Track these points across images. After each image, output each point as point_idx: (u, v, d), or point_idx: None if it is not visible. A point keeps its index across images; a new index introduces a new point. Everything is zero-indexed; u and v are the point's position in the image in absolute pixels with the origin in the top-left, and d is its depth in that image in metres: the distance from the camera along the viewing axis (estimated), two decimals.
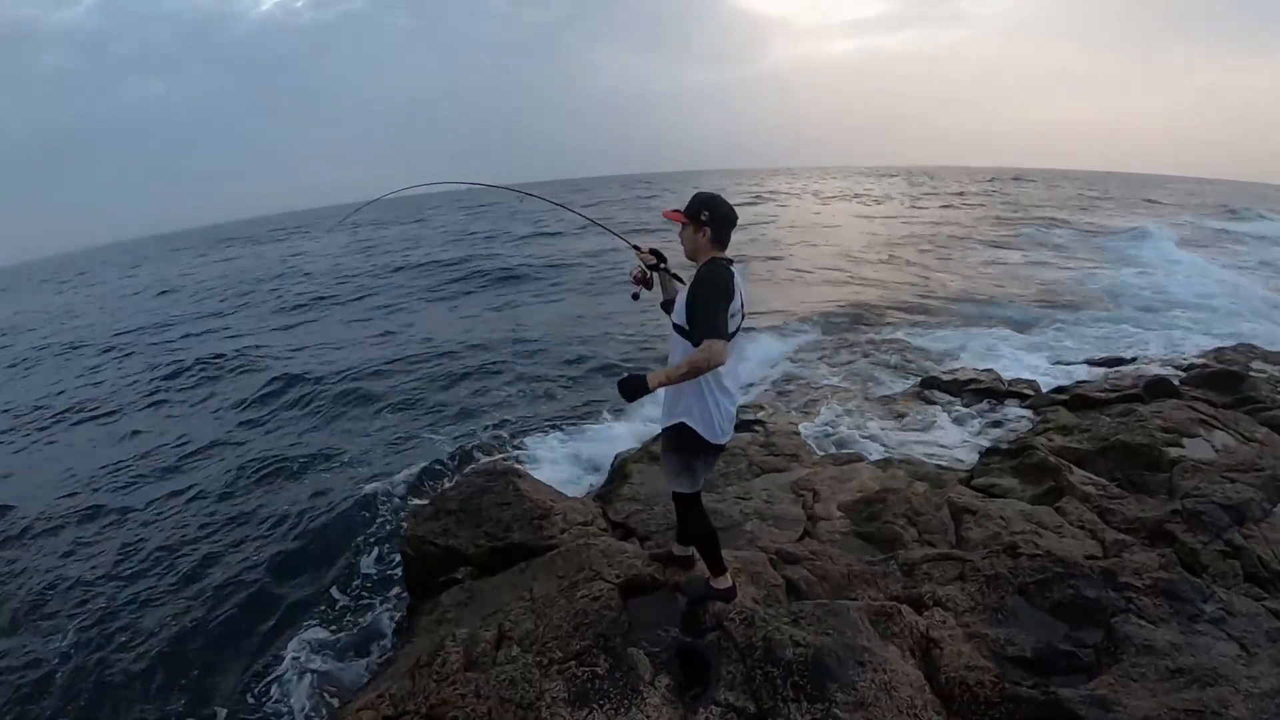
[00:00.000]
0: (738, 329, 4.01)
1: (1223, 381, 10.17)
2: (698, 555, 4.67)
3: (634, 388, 3.74)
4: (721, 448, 4.22)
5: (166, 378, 16.51)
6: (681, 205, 4.08)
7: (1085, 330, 15.96)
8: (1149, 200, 59.24)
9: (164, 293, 34.35)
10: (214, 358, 17.32)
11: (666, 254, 4.60)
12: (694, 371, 3.69)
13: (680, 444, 4.13)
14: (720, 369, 3.87)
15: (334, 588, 7.39)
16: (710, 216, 3.95)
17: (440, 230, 49.53)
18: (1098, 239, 32.87)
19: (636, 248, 4.67)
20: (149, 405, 14.75)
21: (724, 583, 4.50)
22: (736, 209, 4.10)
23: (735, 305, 3.89)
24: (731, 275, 3.91)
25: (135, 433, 12.97)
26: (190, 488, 10.08)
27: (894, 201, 58.37)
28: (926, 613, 4.60)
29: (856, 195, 67.79)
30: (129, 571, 8.12)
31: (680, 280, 4.46)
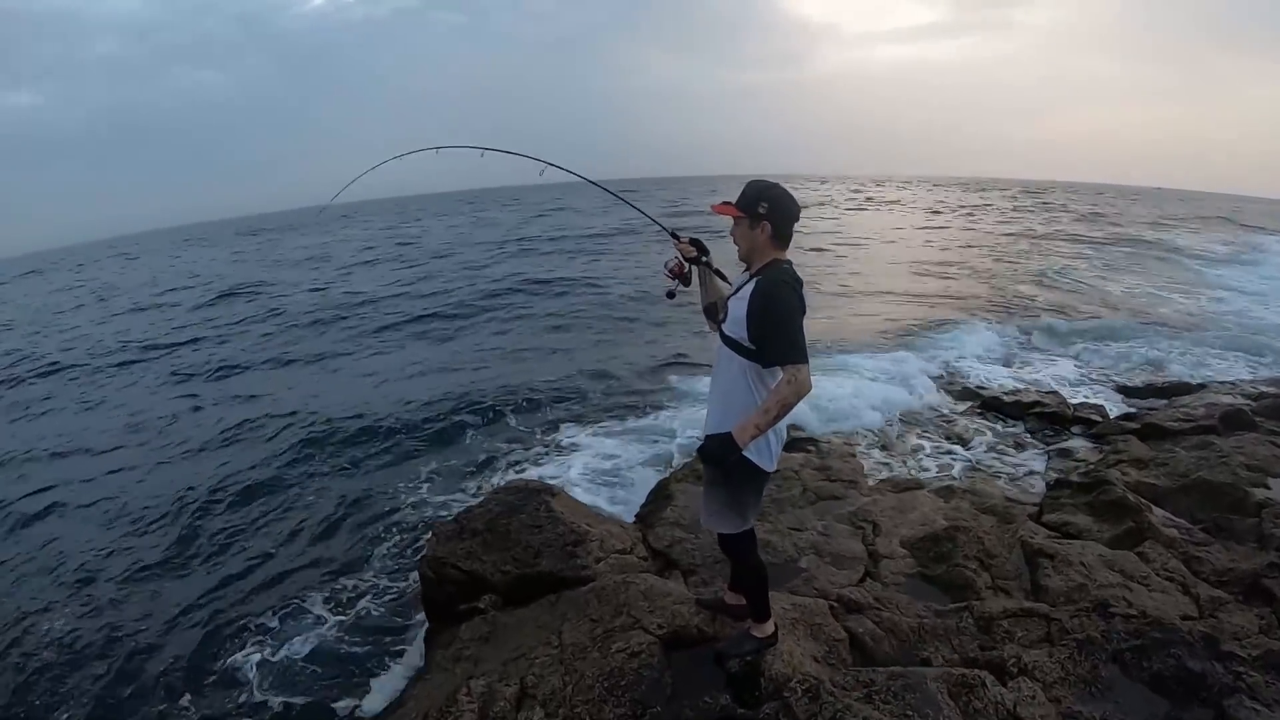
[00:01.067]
0: None
1: None
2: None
3: (723, 450, 3.32)
4: (770, 474, 3.71)
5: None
6: (726, 201, 3.56)
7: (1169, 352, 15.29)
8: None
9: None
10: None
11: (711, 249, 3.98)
12: (785, 409, 3.24)
13: (729, 473, 3.56)
14: (766, 390, 3.43)
15: (346, 604, 6.99)
16: (770, 209, 3.41)
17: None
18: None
19: (675, 236, 4.00)
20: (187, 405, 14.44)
21: (767, 630, 3.99)
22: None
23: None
24: (800, 282, 3.42)
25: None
26: (194, 495, 9.65)
27: (957, 213, 57.22)
28: (1012, 683, 4.03)
29: (895, 203, 66.76)
30: (132, 577, 7.80)
31: (724, 278, 3.90)
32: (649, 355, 14.94)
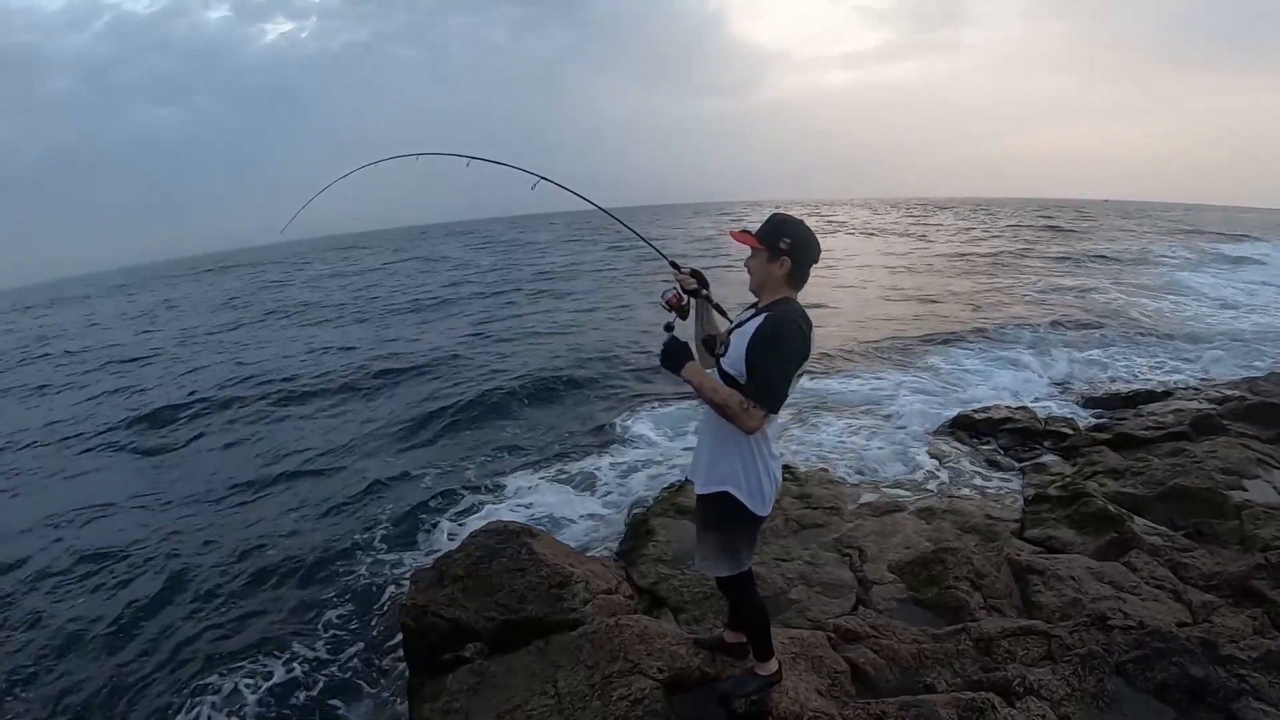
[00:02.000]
0: (787, 394, 3.40)
1: (1264, 414, 9.66)
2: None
3: (673, 358, 3.33)
4: (764, 519, 3.61)
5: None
6: (746, 230, 3.46)
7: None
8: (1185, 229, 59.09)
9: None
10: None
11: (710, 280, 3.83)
12: (721, 412, 3.21)
13: (722, 517, 3.51)
14: (764, 438, 3.38)
15: (321, 661, 6.72)
16: (792, 245, 3.32)
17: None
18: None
19: (675, 265, 3.83)
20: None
21: (770, 668, 3.90)
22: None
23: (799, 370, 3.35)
24: (810, 326, 3.34)
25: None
26: (144, 537, 9.47)
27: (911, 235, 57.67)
28: (1020, 703, 3.98)
29: (843, 225, 67.10)
30: (76, 635, 7.51)
31: (724, 313, 3.78)
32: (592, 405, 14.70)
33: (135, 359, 23.53)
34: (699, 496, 3.60)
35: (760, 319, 3.31)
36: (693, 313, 3.76)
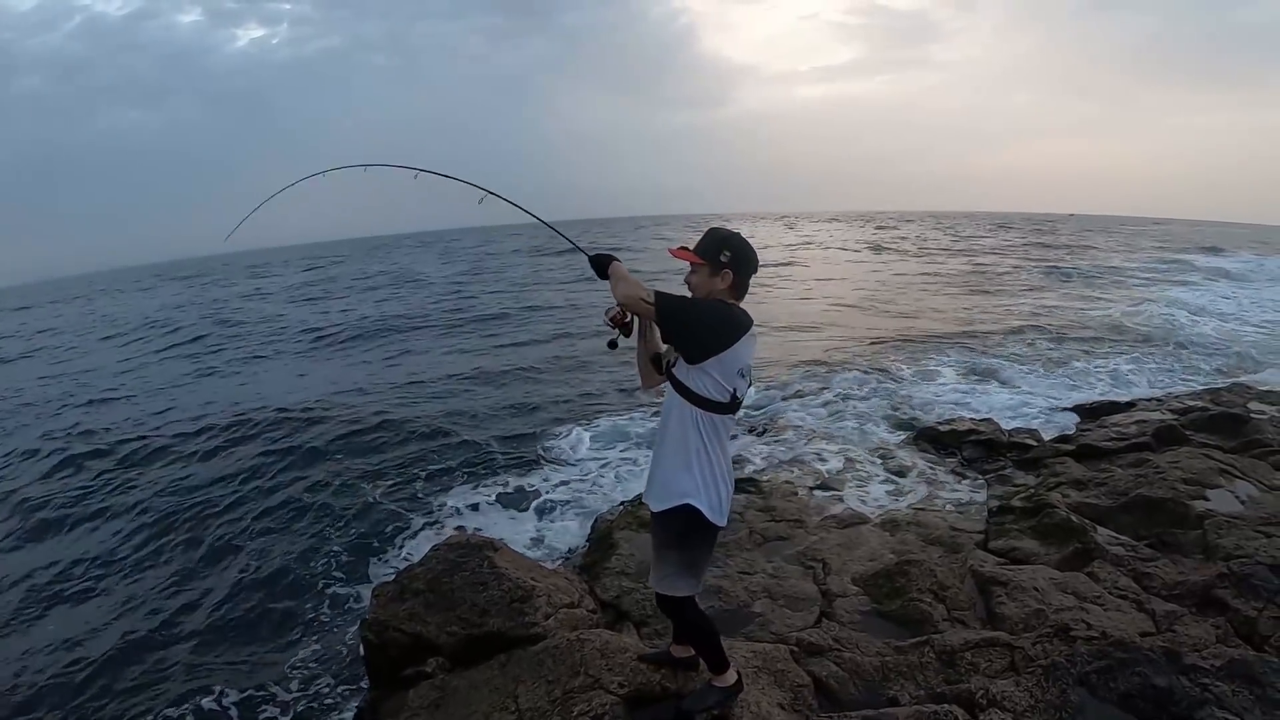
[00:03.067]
0: (742, 395, 3.44)
1: (1226, 425, 9.84)
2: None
3: (599, 264, 3.42)
4: (721, 529, 3.56)
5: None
6: (683, 246, 3.47)
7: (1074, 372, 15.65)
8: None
9: None
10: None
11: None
12: (623, 291, 3.28)
13: (685, 532, 3.45)
14: (721, 444, 3.41)
15: (281, 678, 6.60)
16: (732, 258, 3.35)
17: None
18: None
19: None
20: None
21: (729, 679, 3.83)
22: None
23: (742, 364, 3.35)
24: (748, 319, 3.36)
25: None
26: (99, 551, 9.29)
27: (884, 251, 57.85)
28: (983, 715, 3.95)
29: (810, 242, 67.14)
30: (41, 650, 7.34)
31: None
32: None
33: None
34: (657, 514, 3.53)
35: None
36: (636, 330, 3.72)
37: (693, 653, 4.07)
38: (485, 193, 4.63)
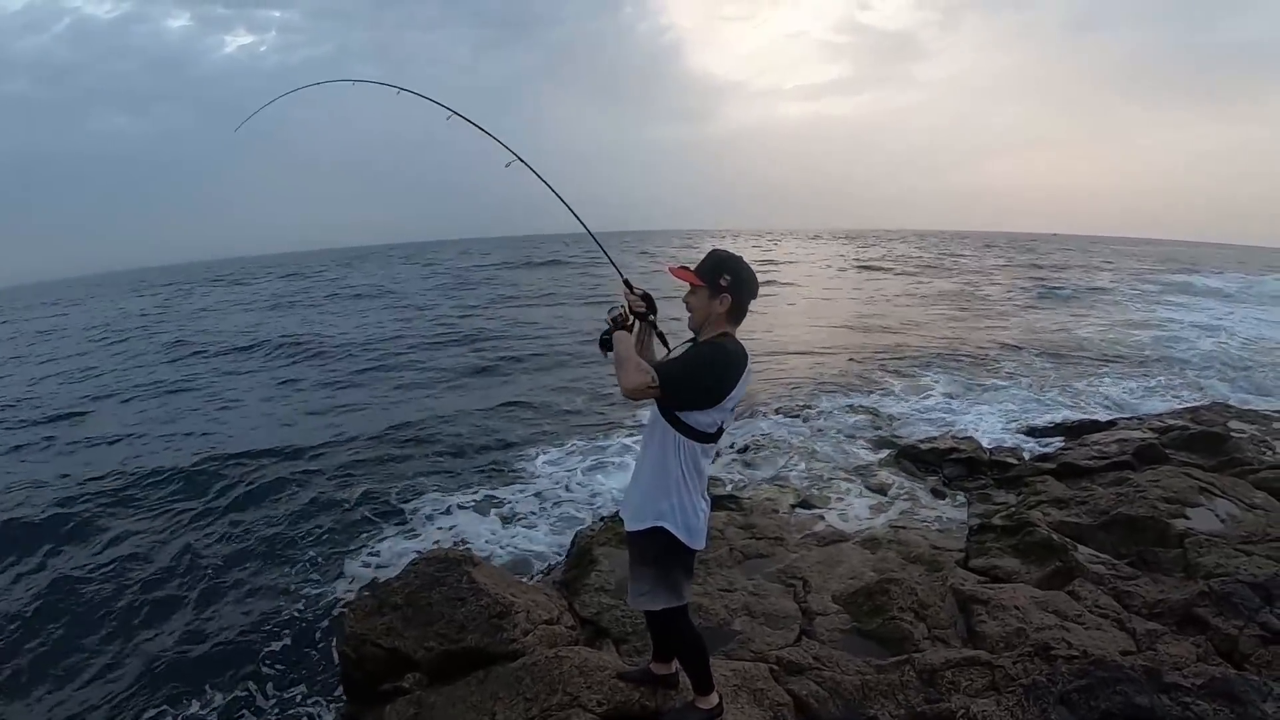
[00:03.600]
0: (722, 429, 3.44)
1: (1206, 443, 9.90)
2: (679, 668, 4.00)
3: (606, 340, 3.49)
4: (697, 552, 3.55)
5: None
6: (684, 265, 3.47)
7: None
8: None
9: None
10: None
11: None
12: (627, 382, 3.20)
13: (658, 553, 3.45)
14: (699, 470, 3.40)
15: (256, 689, 6.50)
16: (732, 282, 3.32)
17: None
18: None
19: (628, 284, 3.77)
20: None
21: (711, 701, 3.82)
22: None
23: (736, 400, 3.35)
24: (746, 356, 3.36)
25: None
26: (69, 565, 9.06)
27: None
28: None
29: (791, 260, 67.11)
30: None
31: (665, 343, 3.73)
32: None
33: None
34: (631, 533, 3.54)
35: (691, 344, 3.40)
36: (634, 335, 3.69)
37: (672, 670, 4.07)
38: (515, 157, 4.61)
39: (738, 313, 3.39)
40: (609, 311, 3.61)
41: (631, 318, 3.65)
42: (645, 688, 4.10)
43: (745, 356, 3.36)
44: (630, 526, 3.52)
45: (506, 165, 4.63)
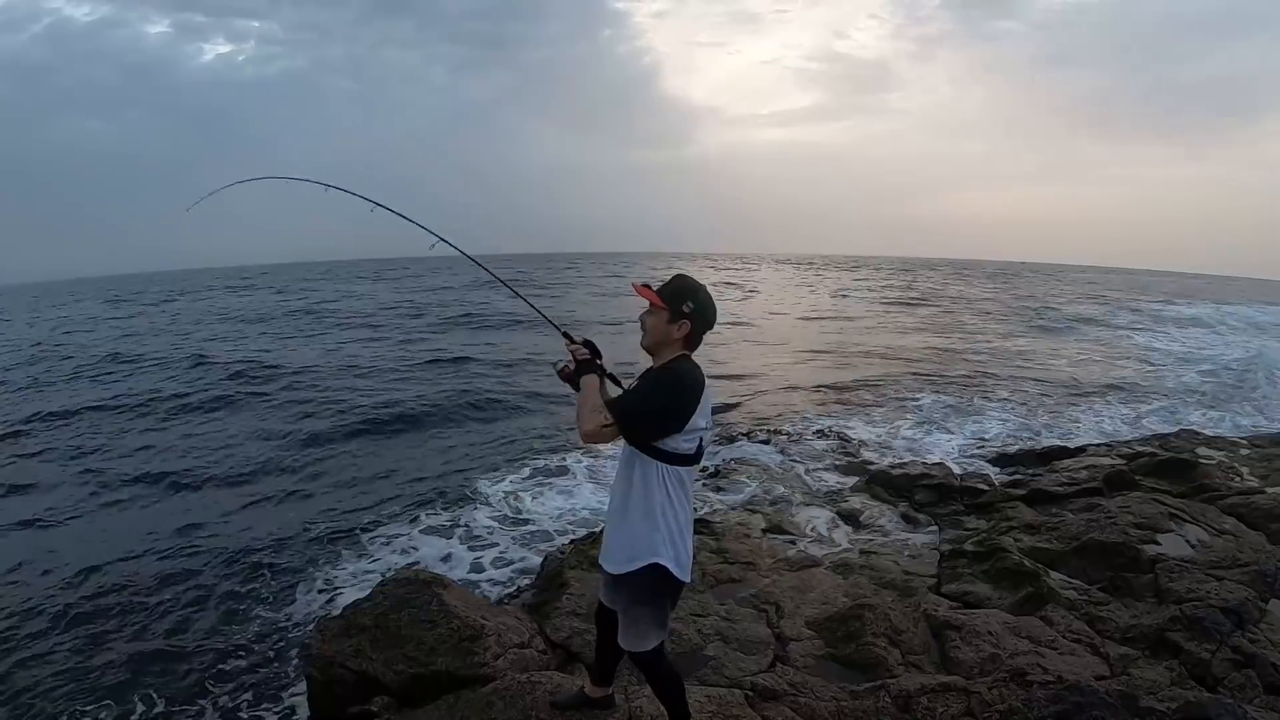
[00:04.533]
0: (704, 446, 3.40)
1: (1175, 470, 9.99)
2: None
3: (573, 379, 3.50)
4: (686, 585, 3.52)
5: None
6: (650, 282, 3.44)
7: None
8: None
9: None
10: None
11: (602, 347, 3.71)
12: (585, 426, 3.24)
13: (655, 590, 3.38)
14: (686, 498, 3.37)
15: (216, 714, 6.34)
16: (693, 311, 3.29)
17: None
18: None
19: (568, 336, 3.73)
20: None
21: None
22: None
23: (702, 420, 3.29)
24: (703, 377, 3.31)
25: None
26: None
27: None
28: None
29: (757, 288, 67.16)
30: None
31: (617, 382, 3.70)
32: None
33: None
34: (621, 576, 3.42)
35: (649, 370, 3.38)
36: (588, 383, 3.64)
37: (608, 692, 4.12)
38: (438, 239, 4.60)
39: (694, 340, 3.37)
40: (554, 366, 3.65)
41: (578, 367, 3.61)
42: (620, 716, 4.05)
43: (701, 379, 3.32)
44: (620, 569, 3.40)
45: (430, 247, 4.64)
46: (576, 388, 3.51)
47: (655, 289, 3.38)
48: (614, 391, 3.64)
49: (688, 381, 3.24)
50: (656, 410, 3.22)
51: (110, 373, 23.49)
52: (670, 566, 3.30)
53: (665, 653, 3.65)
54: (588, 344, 3.66)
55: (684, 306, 3.28)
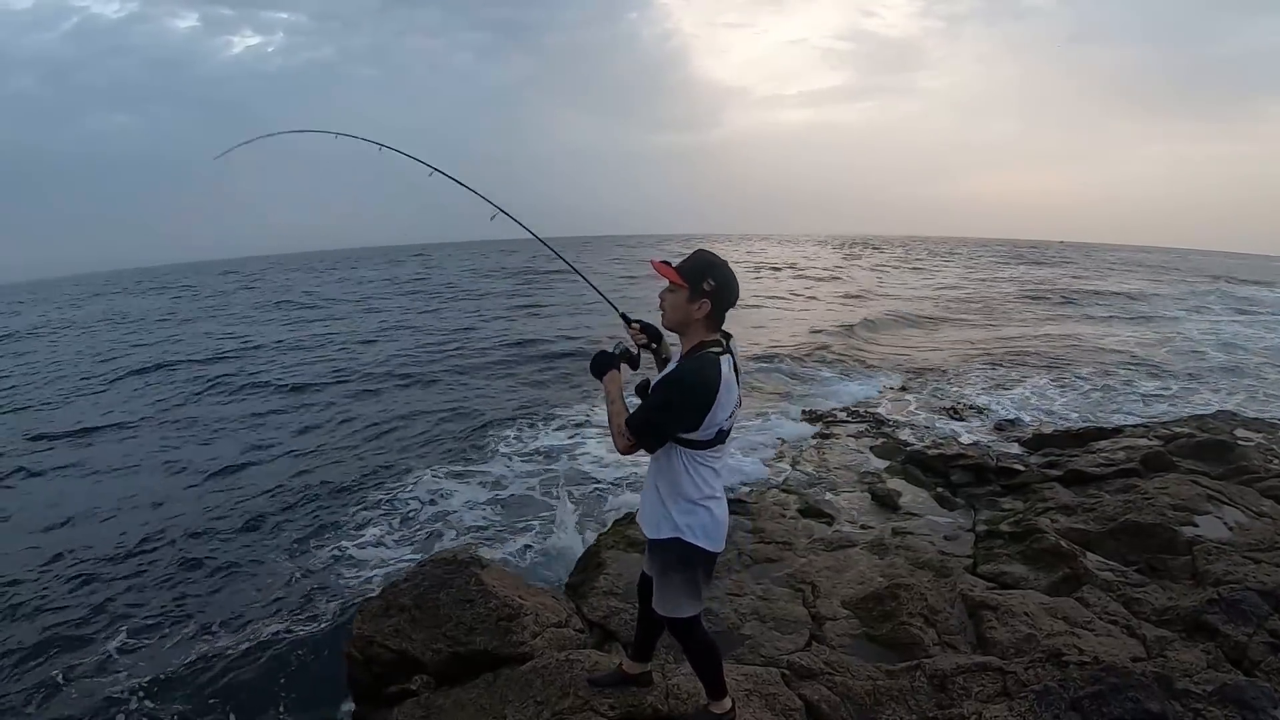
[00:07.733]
0: (729, 427, 3.37)
1: (1213, 451, 9.85)
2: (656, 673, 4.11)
3: (599, 367, 3.48)
4: (718, 554, 3.55)
5: None
6: (666, 260, 3.39)
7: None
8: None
9: None
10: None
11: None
12: (614, 422, 3.29)
13: (683, 559, 3.42)
14: (711, 472, 3.37)
15: (257, 693, 6.50)
16: (714, 288, 3.22)
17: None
18: None
19: (626, 319, 3.75)
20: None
21: (725, 705, 3.82)
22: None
23: (722, 413, 3.26)
24: (719, 374, 3.22)
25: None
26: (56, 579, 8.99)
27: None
28: None
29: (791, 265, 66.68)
30: None
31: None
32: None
33: None
34: (653, 542, 3.52)
35: (678, 363, 3.36)
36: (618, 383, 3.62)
37: (646, 669, 4.15)
38: (497, 210, 4.62)
39: (715, 320, 3.29)
40: (614, 348, 3.59)
41: (637, 350, 3.67)
42: (660, 692, 4.10)
43: (718, 372, 3.22)
44: (649, 535, 3.50)
45: (491, 218, 4.66)
46: (634, 368, 3.63)
47: (674, 265, 3.32)
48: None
49: (699, 388, 3.19)
50: (665, 423, 3.25)
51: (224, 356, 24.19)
52: (694, 540, 3.36)
53: (701, 623, 3.68)
54: (647, 329, 3.69)
55: (704, 284, 3.20)
